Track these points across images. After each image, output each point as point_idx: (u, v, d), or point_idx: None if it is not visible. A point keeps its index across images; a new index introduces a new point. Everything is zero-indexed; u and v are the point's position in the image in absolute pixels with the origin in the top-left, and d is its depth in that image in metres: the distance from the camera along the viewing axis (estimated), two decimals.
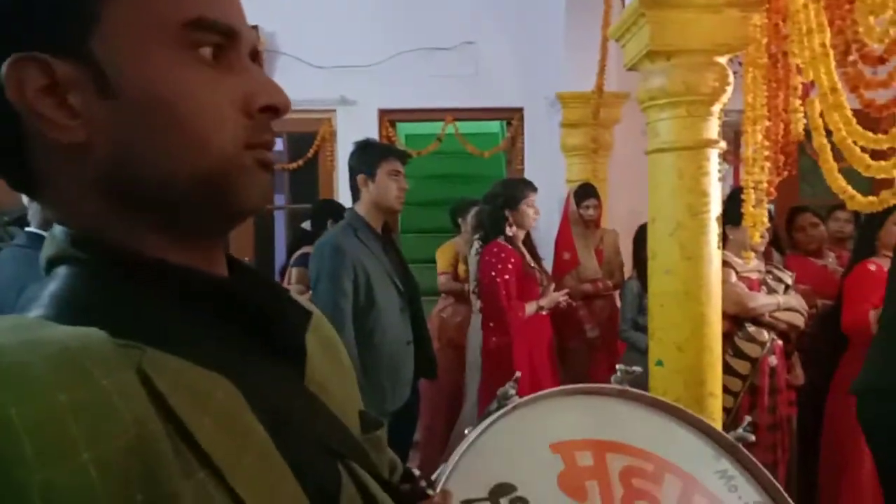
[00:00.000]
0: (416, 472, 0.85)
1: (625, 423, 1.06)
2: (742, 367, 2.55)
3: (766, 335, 2.58)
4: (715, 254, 2.15)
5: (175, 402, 0.39)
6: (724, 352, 2.35)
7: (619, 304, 3.21)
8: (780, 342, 2.61)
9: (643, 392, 1.09)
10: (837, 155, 1.76)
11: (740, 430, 1.03)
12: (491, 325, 2.90)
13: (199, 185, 0.47)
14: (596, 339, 3.25)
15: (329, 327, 0.68)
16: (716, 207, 2.10)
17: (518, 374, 1.10)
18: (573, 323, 3.23)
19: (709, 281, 2.13)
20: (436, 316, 3.59)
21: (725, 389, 2.28)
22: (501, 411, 1.03)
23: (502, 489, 0.96)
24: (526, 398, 1.04)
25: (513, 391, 1.03)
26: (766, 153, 2.20)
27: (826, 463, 2.73)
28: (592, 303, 3.27)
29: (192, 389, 0.41)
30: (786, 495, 1.02)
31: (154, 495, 0.35)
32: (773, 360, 2.59)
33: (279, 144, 4.79)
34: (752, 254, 2.58)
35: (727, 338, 2.48)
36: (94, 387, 0.35)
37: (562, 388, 1.06)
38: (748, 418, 1.05)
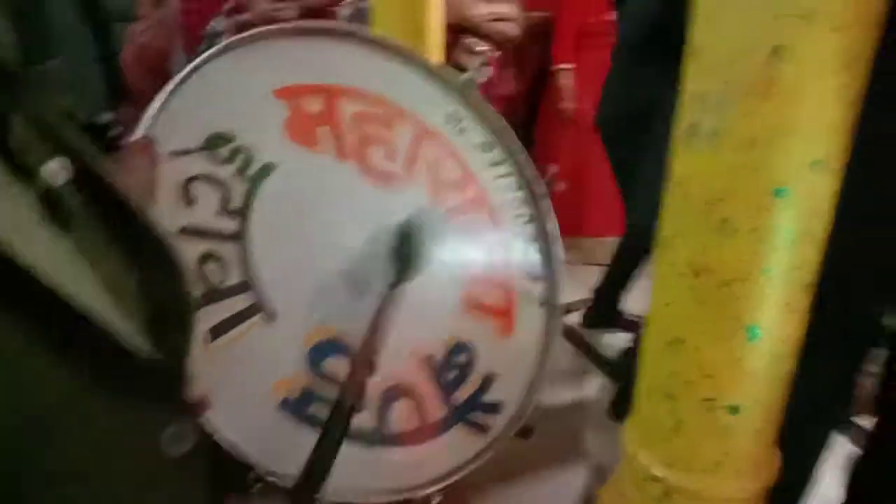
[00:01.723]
0: (108, 118, 0.68)
1: (354, 66, 0.98)
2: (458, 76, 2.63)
3: (483, 46, 2.64)
4: None
5: None
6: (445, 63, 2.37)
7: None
8: (496, 53, 2.72)
9: (372, 34, 1.00)
10: None
11: (469, 73, 1.01)
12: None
13: None
14: None
15: None
16: None
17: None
18: None
19: None
20: (132, 41, 3.00)
21: None
22: (213, 51, 0.86)
23: (220, 139, 0.84)
24: (241, 36, 0.88)
25: (222, 27, 0.86)
26: None
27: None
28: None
29: None
30: (513, 135, 1.06)
31: None
32: (488, 72, 2.70)
33: None
34: None
35: (447, 49, 2.50)
36: None
37: (283, 26, 0.92)
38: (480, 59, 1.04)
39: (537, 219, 1.06)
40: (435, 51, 2.13)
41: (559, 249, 1.04)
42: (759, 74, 0.78)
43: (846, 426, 1.24)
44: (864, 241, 0.87)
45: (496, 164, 1.06)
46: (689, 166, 0.86)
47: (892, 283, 0.99)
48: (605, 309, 2.45)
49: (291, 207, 0.84)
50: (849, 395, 1.06)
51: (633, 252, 2.25)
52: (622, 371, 2.16)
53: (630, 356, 2.19)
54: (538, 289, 1.00)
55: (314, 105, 0.93)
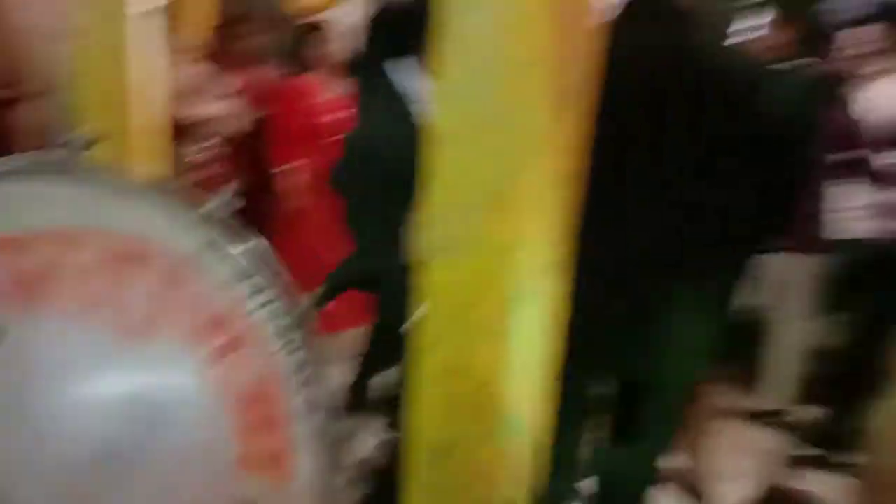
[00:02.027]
0: None
1: (82, 206, 0.86)
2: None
3: (203, 143, 2.58)
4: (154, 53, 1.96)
5: None
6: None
7: None
8: (223, 150, 2.66)
9: (99, 167, 0.90)
10: None
11: (215, 200, 0.96)
12: None
13: None
14: None
15: None
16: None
17: None
18: None
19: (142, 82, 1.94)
20: None
21: None
22: None
23: None
24: None
25: None
26: None
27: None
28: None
29: None
30: (272, 255, 1.01)
31: None
32: (218, 167, 2.62)
33: None
34: (194, 59, 2.49)
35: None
36: None
37: None
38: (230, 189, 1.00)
39: (305, 343, 1.03)
40: (154, 157, 1.99)
41: (330, 373, 1.02)
42: (493, 192, 0.89)
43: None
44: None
45: (257, 292, 1.01)
46: (440, 276, 0.93)
47: (598, 355, 1.18)
48: (356, 400, 2.47)
49: (17, 384, 0.71)
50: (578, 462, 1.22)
51: (383, 341, 2.32)
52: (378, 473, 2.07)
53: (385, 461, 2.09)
54: (314, 420, 0.97)
55: (35, 257, 0.80)
